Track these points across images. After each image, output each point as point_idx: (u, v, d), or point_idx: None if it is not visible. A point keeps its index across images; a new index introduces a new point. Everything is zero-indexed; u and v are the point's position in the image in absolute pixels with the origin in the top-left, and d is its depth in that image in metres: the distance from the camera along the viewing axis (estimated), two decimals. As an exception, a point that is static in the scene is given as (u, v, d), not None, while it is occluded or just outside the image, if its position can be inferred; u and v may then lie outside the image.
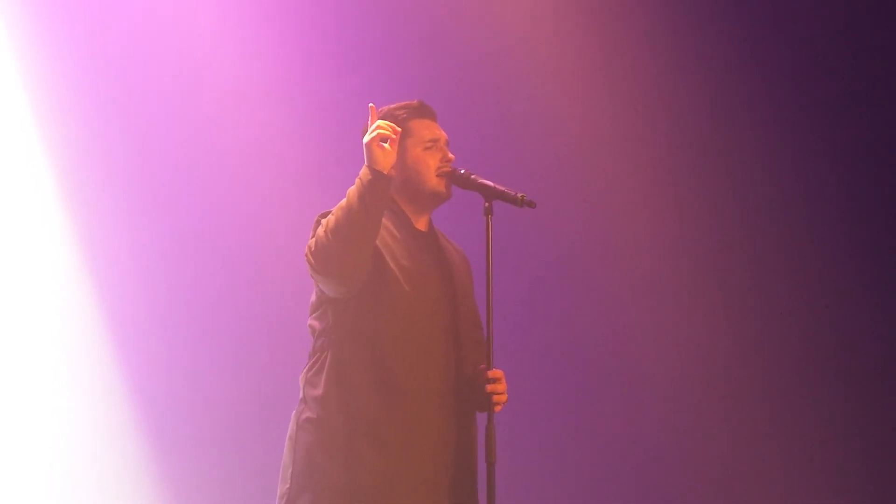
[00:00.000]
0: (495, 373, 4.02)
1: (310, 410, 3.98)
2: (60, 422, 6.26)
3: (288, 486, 3.97)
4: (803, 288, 6.46)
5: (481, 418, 4.09)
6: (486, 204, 4.05)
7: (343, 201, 3.88)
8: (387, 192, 3.90)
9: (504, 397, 4.05)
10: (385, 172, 3.88)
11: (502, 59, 6.55)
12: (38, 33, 6.29)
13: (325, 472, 3.91)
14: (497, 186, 4.06)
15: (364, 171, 3.88)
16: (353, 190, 3.88)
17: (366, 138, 3.91)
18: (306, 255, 3.89)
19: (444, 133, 4.17)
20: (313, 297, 4.09)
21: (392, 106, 4.17)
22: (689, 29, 6.53)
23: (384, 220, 4.02)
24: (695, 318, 6.45)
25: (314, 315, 4.06)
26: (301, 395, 4.05)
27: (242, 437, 6.30)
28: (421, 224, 4.16)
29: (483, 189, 4.06)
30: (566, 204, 6.44)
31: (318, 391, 3.96)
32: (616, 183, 6.53)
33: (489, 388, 3.99)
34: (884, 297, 6.41)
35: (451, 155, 4.14)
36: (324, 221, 3.90)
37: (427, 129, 4.14)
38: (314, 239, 3.88)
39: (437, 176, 4.10)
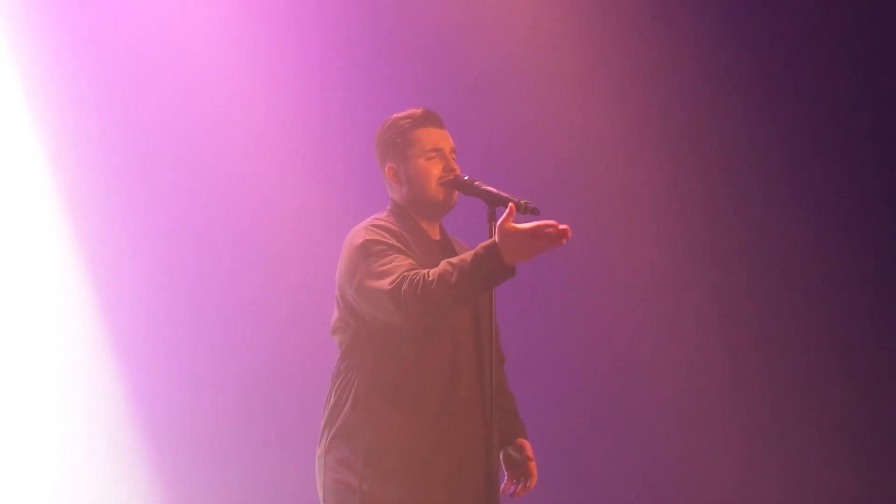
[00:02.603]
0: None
1: (337, 428, 3.98)
2: (60, 422, 6.28)
3: None
4: (806, 287, 6.48)
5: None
6: (490, 210, 4.05)
7: (463, 264, 3.78)
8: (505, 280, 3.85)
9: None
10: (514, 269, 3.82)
11: (503, 64, 6.56)
12: (38, 33, 6.30)
13: (353, 492, 3.90)
14: (500, 192, 4.06)
15: (501, 262, 3.76)
16: (479, 265, 3.76)
17: (536, 240, 3.74)
18: (400, 295, 3.79)
19: (450, 141, 4.19)
20: (336, 316, 4.08)
21: (397, 115, 4.20)
22: (690, 30, 6.55)
23: (401, 231, 4.05)
24: (698, 319, 6.46)
25: (340, 342, 4.08)
26: (328, 412, 4.03)
27: (242, 436, 6.30)
28: (434, 233, 4.19)
29: (486, 195, 4.07)
30: (569, 210, 6.44)
31: (346, 411, 3.97)
32: (618, 187, 6.55)
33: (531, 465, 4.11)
34: (885, 296, 6.42)
35: (454, 164, 4.15)
36: (433, 274, 3.78)
37: (429, 139, 4.15)
38: (415, 285, 3.77)
39: (439, 185, 4.12)
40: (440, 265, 3.82)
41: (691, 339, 6.46)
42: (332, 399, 4.05)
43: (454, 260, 3.82)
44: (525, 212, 4.02)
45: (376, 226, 4.05)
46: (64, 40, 6.32)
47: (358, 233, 4.05)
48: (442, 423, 3.97)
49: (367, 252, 3.94)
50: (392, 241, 3.97)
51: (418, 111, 4.19)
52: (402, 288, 3.80)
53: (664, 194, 6.54)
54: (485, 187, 4.09)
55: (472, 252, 3.81)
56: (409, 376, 3.95)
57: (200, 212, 6.41)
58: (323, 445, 4.03)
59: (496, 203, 4.06)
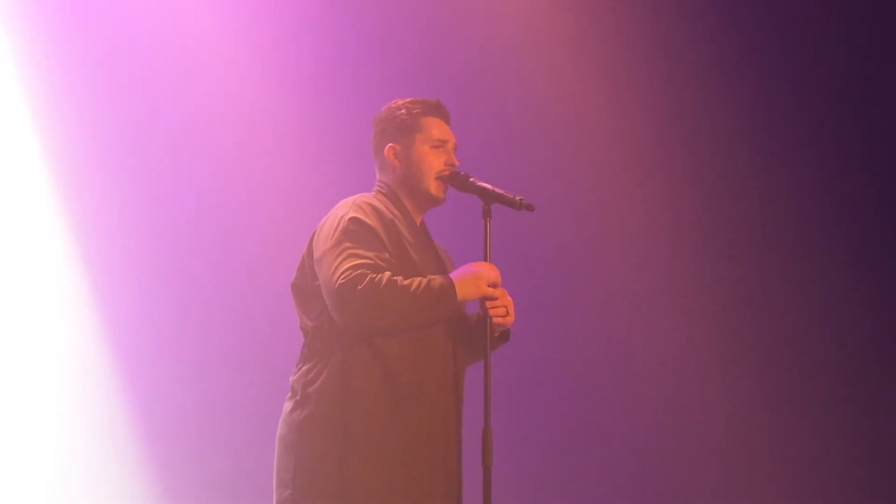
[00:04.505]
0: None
1: (313, 413, 3.90)
2: (58, 420, 6.27)
3: (290, 491, 3.89)
4: (802, 288, 6.49)
5: (473, 419, 4.11)
6: (485, 207, 4.05)
7: (418, 289, 3.83)
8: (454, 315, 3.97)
9: (510, 318, 4.05)
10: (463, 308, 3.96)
11: (499, 62, 6.55)
12: (35, 30, 6.28)
13: (334, 476, 3.85)
14: (496, 189, 4.06)
15: (454, 300, 3.88)
16: (434, 298, 3.85)
17: (486, 293, 3.95)
18: (349, 290, 3.79)
19: (453, 137, 4.17)
20: (307, 279, 4.02)
21: (408, 99, 4.18)
22: (687, 30, 6.55)
23: (394, 212, 4.03)
24: (693, 318, 6.47)
25: (311, 315, 4.02)
26: (298, 397, 3.95)
27: (239, 435, 6.29)
28: (417, 219, 4.17)
29: (482, 192, 4.07)
30: (564, 206, 6.45)
31: (324, 395, 3.90)
32: (613, 185, 6.55)
33: (490, 309, 3.99)
34: (886, 297, 6.44)
35: (456, 160, 4.14)
36: (391, 284, 3.80)
37: (437, 129, 4.14)
38: (376, 284, 3.79)
39: (436, 179, 4.11)
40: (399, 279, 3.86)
41: (690, 338, 6.46)
42: (305, 378, 3.96)
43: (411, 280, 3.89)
44: (521, 208, 4.04)
45: (368, 204, 4.02)
46: (64, 38, 6.31)
47: (346, 205, 4.02)
48: (425, 405, 3.95)
49: (347, 229, 3.92)
50: (376, 226, 3.95)
51: (433, 100, 4.18)
52: (360, 284, 3.80)
53: (662, 193, 6.55)
54: (480, 184, 4.08)
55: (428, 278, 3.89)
56: (391, 365, 3.91)
57: (200, 209, 6.41)
58: (290, 426, 3.94)
59: (491, 200, 4.06)
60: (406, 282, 3.84)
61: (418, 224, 4.17)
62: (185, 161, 6.41)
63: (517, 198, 4.05)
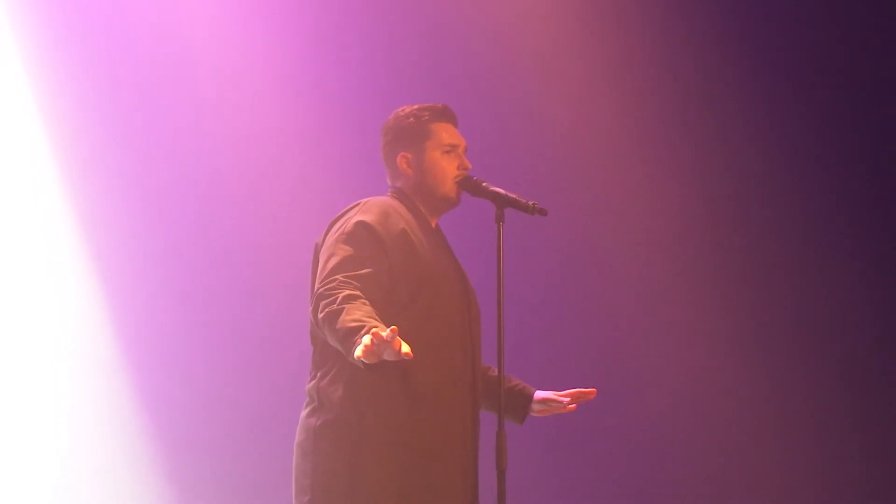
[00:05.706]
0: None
1: (328, 417, 3.90)
2: (65, 423, 6.27)
3: (308, 496, 3.90)
4: (807, 288, 6.48)
5: (487, 422, 4.11)
6: (498, 211, 4.05)
7: (344, 322, 3.67)
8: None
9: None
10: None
11: (509, 64, 6.56)
12: (43, 33, 6.29)
13: (350, 479, 3.85)
14: (508, 194, 4.06)
15: (352, 345, 3.63)
16: (343, 336, 3.68)
17: (368, 351, 3.57)
18: (317, 309, 3.78)
19: (463, 140, 4.17)
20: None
21: (416, 106, 4.16)
22: (691, 31, 6.55)
23: (407, 216, 4.03)
24: (703, 320, 6.46)
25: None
26: (315, 403, 3.95)
27: (245, 437, 6.29)
28: (432, 222, 4.17)
29: (495, 197, 4.06)
30: (577, 211, 6.45)
31: (338, 399, 3.89)
32: (626, 189, 6.55)
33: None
34: (886, 298, 6.44)
35: (468, 163, 4.14)
36: (343, 311, 3.70)
37: (447, 134, 4.13)
38: (328, 308, 3.73)
39: (453, 182, 4.10)
40: (355, 314, 3.71)
41: (703, 341, 6.46)
42: (318, 385, 3.96)
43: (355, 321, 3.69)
44: (534, 213, 4.04)
45: (379, 207, 4.01)
46: (71, 38, 6.32)
47: (356, 206, 4.04)
48: (443, 409, 3.95)
49: (351, 232, 3.92)
50: (382, 232, 3.93)
51: (439, 105, 4.17)
52: (331, 294, 3.76)
53: (674, 196, 6.54)
54: (493, 188, 4.08)
55: (357, 329, 3.64)
56: (406, 366, 3.82)
57: (207, 212, 6.41)
58: (308, 432, 3.94)
59: (504, 204, 4.06)
60: (347, 309, 3.70)
61: (433, 227, 4.16)
62: (196, 161, 6.41)
63: (530, 202, 4.04)
